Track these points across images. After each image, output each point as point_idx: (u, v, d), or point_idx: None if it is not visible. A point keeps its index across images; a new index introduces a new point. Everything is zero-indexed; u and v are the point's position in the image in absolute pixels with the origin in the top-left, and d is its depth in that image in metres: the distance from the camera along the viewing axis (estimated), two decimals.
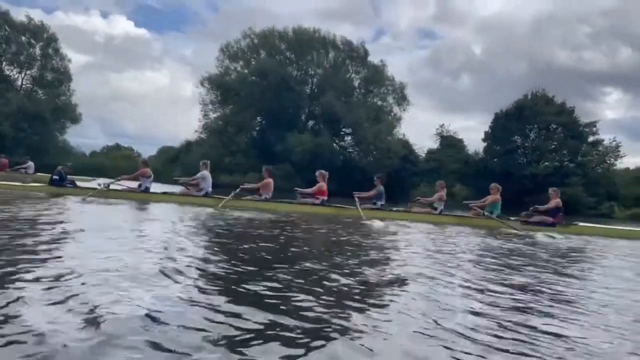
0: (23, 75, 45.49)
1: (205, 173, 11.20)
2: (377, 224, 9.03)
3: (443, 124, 46.71)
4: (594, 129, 41.43)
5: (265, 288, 2.97)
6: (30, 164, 19.56)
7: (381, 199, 11.62)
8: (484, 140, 43.00)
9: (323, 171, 11.72)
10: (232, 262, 3.81)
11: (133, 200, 10.50)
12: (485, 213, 10.75)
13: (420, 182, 42.30)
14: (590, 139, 41.34)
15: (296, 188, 12.06)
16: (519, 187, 38.93)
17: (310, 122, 42.70)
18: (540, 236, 8.96)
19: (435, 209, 11.65)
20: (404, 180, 41.44)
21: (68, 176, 11.81)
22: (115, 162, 47.10)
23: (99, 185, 11.41)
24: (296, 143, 36.24)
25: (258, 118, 41.98)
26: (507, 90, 71.48)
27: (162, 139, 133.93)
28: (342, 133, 42.12)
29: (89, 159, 51.09)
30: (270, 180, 11.15)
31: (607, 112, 75.85)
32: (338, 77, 42.35)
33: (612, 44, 71.61)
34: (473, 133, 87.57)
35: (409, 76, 77.22)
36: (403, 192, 40.13)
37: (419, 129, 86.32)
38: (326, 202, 11.27)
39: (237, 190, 10.85)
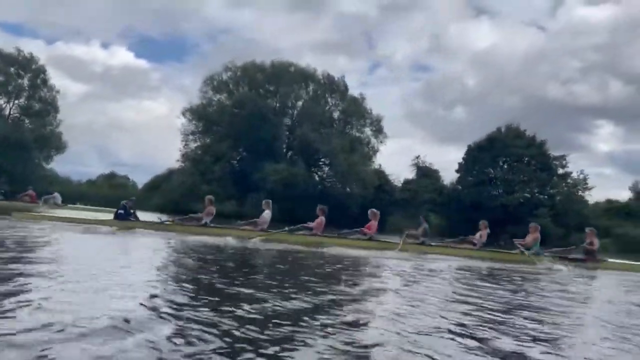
0: (11, 104, 46.76)
1: (267, 213, 12.22)
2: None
3: (419, 155, 47.91)
4: (564, 161, 42.78)
5: None
6: (57, 194, 21.38)
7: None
8: (457, 171, 44.26)
9: (375, 210, 13.18)
10: None
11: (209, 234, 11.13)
12: (525, 251, 11.78)
13: (395, 211, 43.30)
14: (560, 171, 42.62)
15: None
16: (490, 218, 39.67)
17: (290, 153, 43.90)
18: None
19: (474, 244, 12.72)
20: (379, 209, 42.30)
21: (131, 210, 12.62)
22: (101, 190, 47.96)
23: (159, 219, 12.53)
24: (271, 172, 37.32)
25: (237, 148, 43.13)
26: (500, 122, 72.42)
27: (159, 167, 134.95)
28: (319, 163, 43.22)
29: (76, 187, 51.76)
30: (323, 219, 12.17)
31: (600, 145, 77.52)
32: (317, 109, 43.80)
33: (602, 78, 73.91)
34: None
35: (403, 107, 79.83)
36: (379, 222, 41.04)
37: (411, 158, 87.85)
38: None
39: (295, 227, 12.16)
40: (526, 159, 42.03)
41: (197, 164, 40.70)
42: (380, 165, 45.32)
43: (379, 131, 45.29)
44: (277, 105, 44.21)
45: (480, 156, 42.46)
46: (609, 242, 40.50)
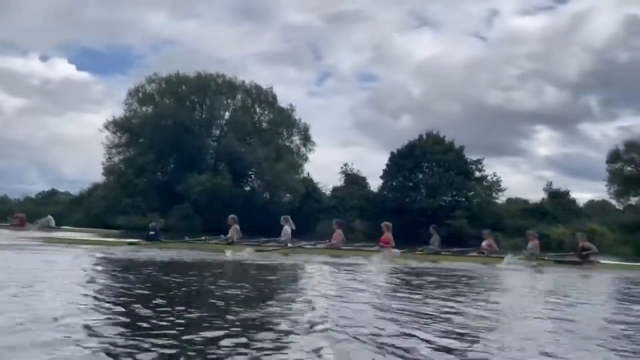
0: None
1: (287, 228, 12.71)
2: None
3: (347, 163, 49.11)
4: (480, 165, 45.27)
5: None
6: (50, 217, 21.24)
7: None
8: (382, 177, 45.83)
9: (388, 223, 13.57)
10: None
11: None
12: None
13: (324, 218, 44.33)
14: (477, 175, 45.06)
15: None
16: (412, 221, 41.65)
17: (218, 164, 44.04)
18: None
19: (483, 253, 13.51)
20: (307, 216, 43.27)
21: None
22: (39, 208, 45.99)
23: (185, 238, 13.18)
24: (195, 184, 37.40)
25: (161, 160, 42.87)
26: (445, 130, 75.45)
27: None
28: (247, 173, 43.57)
29: (14, 205, 49.19)
30: (340, 231, 13.03)
31: (540, 149, 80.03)
32: (245, 119, 44.24)
33: (538, 85, 77.10)
34: None
35: (352, 117, 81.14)
36: (307, 229, 41.89)
37: (362, 166, 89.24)
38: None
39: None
40: (445, 164, 44.10)
41: (120, 178, 40.16)
42: (308, 173, 46.35)
43: (307, 140, 46.27)
44: (203, 116, 44.32)
45: (403, 162, 44.22)
46: (521, 241, 43.31)
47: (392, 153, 45.53)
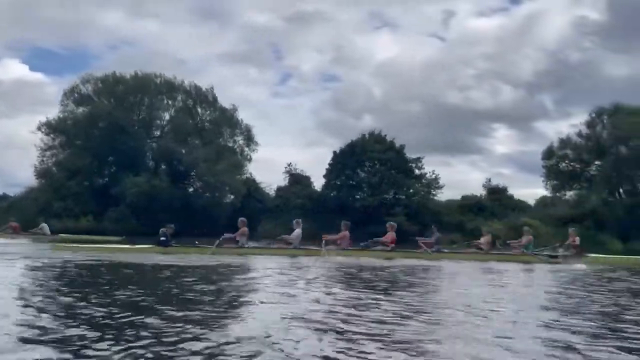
0: None
1: (298, 231, 13.77)
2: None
3: (291, 163, 49.19)
4: (420, 163, 46.25)
5: None
6: (44, 225, 21.41)
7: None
8: (324, 176, 46.16)
9: (393, 223, 15.22)
10: None
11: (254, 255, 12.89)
12: (524, 251, 14.05)
13: (267, 218, 44.36)
14: (417, 172, 46.02)
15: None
16: (353, 219, 42.14)
17: (156, 165, 43.36)
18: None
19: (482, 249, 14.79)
20: (250, 217, 43.11)
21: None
22: None
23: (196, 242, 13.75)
24: (130, 185, 36.70)
25: (96, 162, 41.85)
26: (406, 129, 77.04)
27: None
28: (186, 175, 43.02)
29: None
30: (347, 233, 13.94)
31: (498, 147, 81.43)
32: (185, 120, 43.72)
33: (494, 84, 78.83)
34: None
35: (315, 117, 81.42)
36: (250, 228, 41.79)
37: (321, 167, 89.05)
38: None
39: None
40: (386, 162, 44.78)
41: (52, 181, 38.99)
42: (251, 173, 46.22)
43: (250, 140, 46.14)
44: (142, 117, 43.54)
45: (345, 161, 44.70)
46: (459, 236, 44.54)
47: (334, 152, 46.02)
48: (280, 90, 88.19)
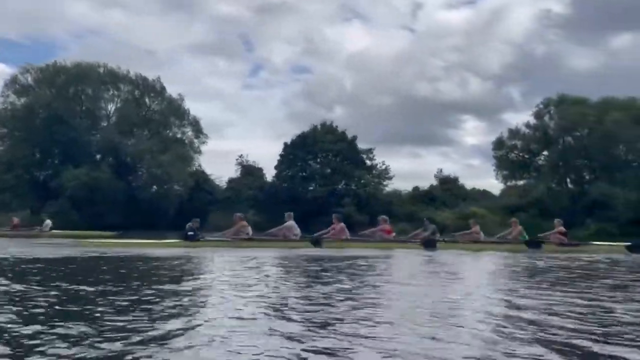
0: None
1: (291, 223, 13.78)
2: None
3: (242, 154, 48.74)
4: (371, 155, 46.49)
5: None
6: (48, 221, 21.23)
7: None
8: (275, 167, 45.91)
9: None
10: None
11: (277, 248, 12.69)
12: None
13: (216, 210, 43.86)
14: (369, 163, 46.23)
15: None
16: (304, 210, 42.12)
17: (102, 157, 42.25)
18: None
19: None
20: (199, 209, 42.61)
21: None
22: None
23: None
24: (70, 178, 35.67)
25: (36, 154, 40.54)
26: (377, 121, 76.71)
27: None
28: (131, 166, 42.08)
29: None
30: (343, 225, 14.19)
31: (467, 138, 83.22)
32: (130, 111, 42.71)
33: (462, 76, 79.64)
34: None
35: (286, 109, 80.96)
36: (201, 220, 41.23)
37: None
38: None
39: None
40: (337, 153, 44.85)
41: None
42: (200, 165, 45.61)
43: (199, 131, 45.44)
44: (84, 108, 42.28)
45: (296, 152, 44.53)
46: (410, 226, 45.04)
47: (285, 144, 45.79)
48: (251, 82, 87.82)
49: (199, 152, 45.96)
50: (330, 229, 14.15)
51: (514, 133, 51.35)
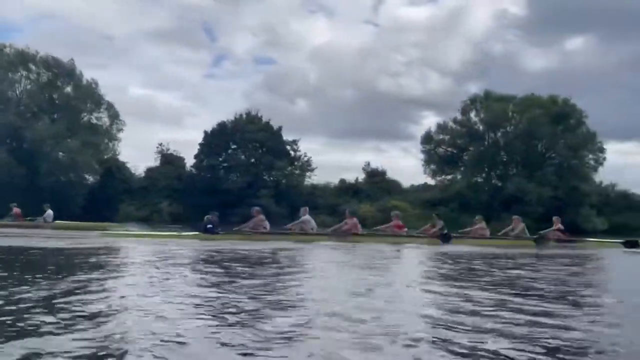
0: None
1: (307, 217, 13.85)
2: None
3: (162, 143, 47.09)
4: (295, 146, 45.79)
5: None
6: (50, 212, 19.58)
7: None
8: (195, 157, 44.63)
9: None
10: None
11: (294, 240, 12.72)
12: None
13: (131, 199, 42.33)
14: (292, 155, 45.53)
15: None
16: (222, 201, 41.09)
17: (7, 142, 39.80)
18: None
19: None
20: (111, 198, 40.97)
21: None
22: None
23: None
24: None
25: None
26: (340, 114, 76.65)
27: None
28: (34, 153, 39.74)
29: None
30: (356, 220, 14.30)
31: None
32: (38, 94, 40.42)
33: (423, 72, 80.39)
34: (318, 155, 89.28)
35: (248, 100, 79.55)
36: (110, 209, 39.58)
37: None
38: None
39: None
40: (259, 143, 43.95)
41: None
42: (115, 152, 43.77)
43: (115, 117, 43.52)
44: None
45: (215, 142, 43.35)
46: (331, 218, 44.70)
47: (205, 132, 44.49)
48: (214, 72, 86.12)
49: (116, 139, 44.18)
50: (343, 224, 14.37)
51: (442, 128, 51.90)
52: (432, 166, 52.23)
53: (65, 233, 14.68)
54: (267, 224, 13.58)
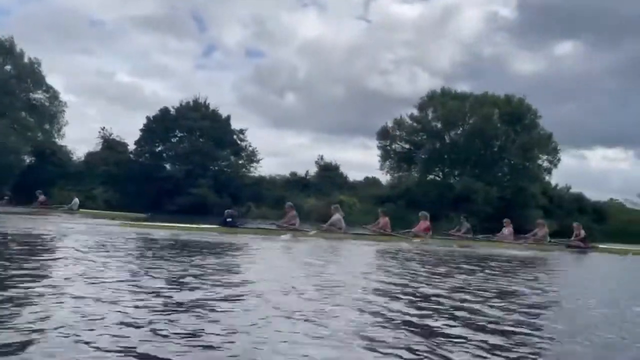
0: None
1: (338, 216, 13.99)
2: None
3: (105, 127, 45.36)
4: (242, 135, 44.54)
5: None
6: (76, 200, 20.65)
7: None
8: (135, 143, 43.14)
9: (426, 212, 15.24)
10: None
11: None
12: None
13: (67, 184, 40.77)
14: (241, 145, 44.31)
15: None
16: (159, 189, 39.84)
17: None
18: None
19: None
20: (44, 181, 39.34)
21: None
22: None
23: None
24: None
25: None
26: (329, 110, 75.98)
27: None
28: None
29: None
30: (387, 219, 14.64)
31: None
32: None
33: (412, 71, 79.59)
34: (306, 150, 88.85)
35: (235, 92, 78.22)
36: (43, 193, 37.95)
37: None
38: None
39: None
40: (202, 131, 42.59)
41: None
42: (53, 135, 42.17)
43: (54, 98, 41.95)
44: None
45: (156, 128, 41.99)
46: (273, 212, 43.62)
47: (147, 118, 43.05)
48: (206, 63, 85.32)
49: (58, 123, 42.60)
50: (375, 223, 14.79)
51: (399, 124, 51.04)
52: (388, 162, 51.60)
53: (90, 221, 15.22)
54: (297, 221, 13.90)
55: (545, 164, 49.47)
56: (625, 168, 76.25)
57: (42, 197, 20.64)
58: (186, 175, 39.88)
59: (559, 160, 49.21)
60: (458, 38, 78.67)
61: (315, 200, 44.21)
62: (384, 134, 51.37)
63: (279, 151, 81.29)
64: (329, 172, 50.38)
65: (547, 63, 76.00)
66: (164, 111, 42.34)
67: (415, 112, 50.48)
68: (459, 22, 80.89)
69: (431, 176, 49.97)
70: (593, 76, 73.17)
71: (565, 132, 75.85)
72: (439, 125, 49.96)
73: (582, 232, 15.65)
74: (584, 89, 73.64)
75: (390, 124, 51.34)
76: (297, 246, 11.17)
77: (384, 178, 52.70)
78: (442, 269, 7.71)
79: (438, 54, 78.72)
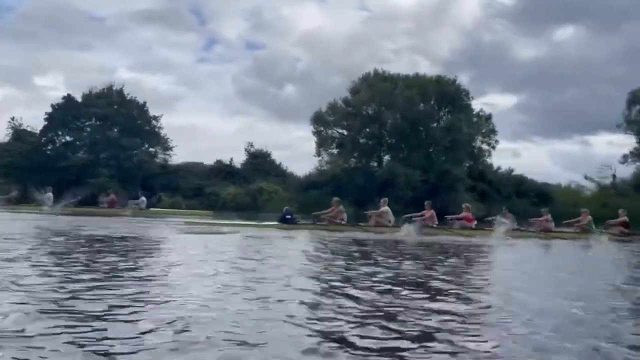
0: None
1: (386, 208, 13.93)
2: None
3: (14, 117, 43.30)
4: (158, 122, 42.68)
5: None
6: (143, 198, 20.43)
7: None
8: (40, 132, 41.13)
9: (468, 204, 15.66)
10: None
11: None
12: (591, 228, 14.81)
13: None
14: (153, 131, 42.45)
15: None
16: (60, 179, 37.90)
17: None
18: None
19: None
20: None
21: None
22: None
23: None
24: None
25: None
26: (328, 101, 74.89)
27: None
28: None
29: None
30: (433, 212, 14.32)
31: None
32: None
33: (412, 59, 77.86)
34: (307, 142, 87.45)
35: (236, 85, 76.41)
36: None
37: (233, 138, 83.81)
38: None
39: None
40: (109, 120, 40.63)
41: None
42: None
43: None
44: None
45: (60, 116, 40.00)
46: (193, 202, 41.92)
47: (52, 106, 40.97)
48: (207, 56, 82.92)
49: None
50: (421, 214, 14.41)
51: (332, 108, 49.26)
52: (322, 148, 49.87)
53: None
54: (344, 216, 13.79)
55: (485, 146, 48.29)
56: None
57: (112, 196, 20.23)
58: (89, 164, 37.99)
59: (497, 141, 47.92)
60: (457, 26, 77.84)
61: (234, 188, 42.65)
62: (317, 119, 49.55)
63: (282, 144, 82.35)
64: (258, 160, 48.67)
65: (547, 49, 74.50)
66: (68, 99, 40.31)
67: (350, 96, 48.62)
68: (458, 9, 79.52)
69: (356, 161, 48.20)
70: (595, 61, 70.67)
71: (568, 117, 74.60)
72: (370, 111, 48.29)
73: (626, 218, 14.99)
74: (585, 75, 71.79)
75: (324, 109, 49.55)
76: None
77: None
78: None
79: (438, 42, 77.25)
